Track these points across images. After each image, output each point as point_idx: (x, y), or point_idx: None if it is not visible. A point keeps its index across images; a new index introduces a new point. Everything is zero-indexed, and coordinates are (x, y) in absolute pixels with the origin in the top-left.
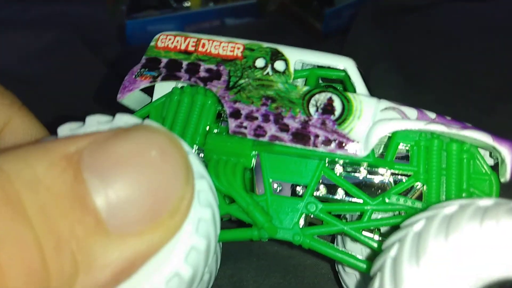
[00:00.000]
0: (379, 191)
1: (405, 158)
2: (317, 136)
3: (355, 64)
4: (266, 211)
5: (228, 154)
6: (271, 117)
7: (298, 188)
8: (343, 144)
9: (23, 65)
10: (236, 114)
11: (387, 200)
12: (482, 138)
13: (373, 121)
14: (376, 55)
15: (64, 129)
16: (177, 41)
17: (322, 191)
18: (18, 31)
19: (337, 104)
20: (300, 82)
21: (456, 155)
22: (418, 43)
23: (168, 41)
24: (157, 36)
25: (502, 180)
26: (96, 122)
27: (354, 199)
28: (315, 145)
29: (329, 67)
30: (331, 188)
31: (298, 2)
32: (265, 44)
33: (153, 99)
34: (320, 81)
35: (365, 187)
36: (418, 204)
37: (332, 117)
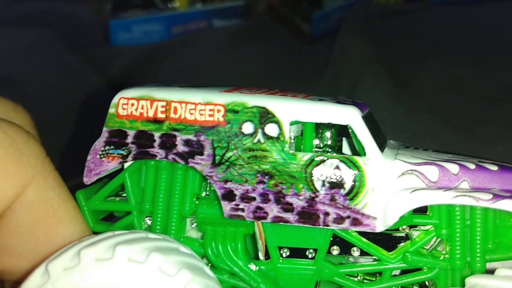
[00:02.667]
0: (393, 243)
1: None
2: (327, 214)
3: (360, 115)
4: (276, 283)
5: (225, 224)
6: (271, 197)
7: (310, 250)
8: (359, 221)
9: (5, 64)
10: (229, 195)
11: (407, 256)
12: None
13: (390, 192)
14: (366, 60)
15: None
16: (142, 107)
17: (335, 251)
18: (1, 28)
19: (346, 175)
20: (294, 129)
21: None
22: (408, 47)
23: (131, 107)
24: (115, 100)
25: None
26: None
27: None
28: (325, 224)
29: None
30: (345, 247)
31: (287, 4)
32: (251, 102)
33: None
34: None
35: (379, 241)
36: (441, 260)
37: (342, 191)
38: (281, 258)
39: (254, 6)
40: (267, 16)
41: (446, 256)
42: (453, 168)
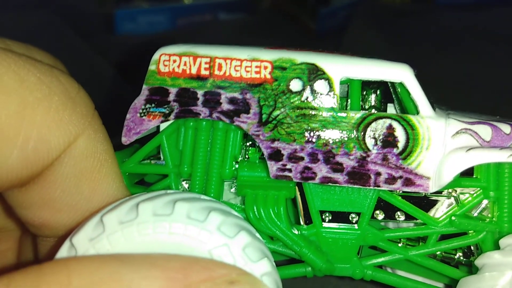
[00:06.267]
0: (438, 207)
1: None
2: (378, 174)
3: (414, 73)
4: (318, 247)
5: (266, 187)
6: (320, 156)
7: (352, 215)
8: (411, 182)
9: None
10: (276, 155)
11: (453, 219)
12: None
13: (444, 151)
14: (376, 53)
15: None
16: (185, 63)
17: (380, 216)
18: (4, 13)
19: (400, 134)
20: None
21: None
22: (415, 44)
23: (173, 63)
24: (156, 57)
25: None
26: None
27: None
28: (376, 184)
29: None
30: (389, 211)
31: (293, 0)
32: (299, 58)
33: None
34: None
35: (425, 205)
36: (489, 223)
37: (395, 150)
38: (323, 222)
39: (260, 1)
40: (273, 12)
41: (494, 219)
42: (506, 128)
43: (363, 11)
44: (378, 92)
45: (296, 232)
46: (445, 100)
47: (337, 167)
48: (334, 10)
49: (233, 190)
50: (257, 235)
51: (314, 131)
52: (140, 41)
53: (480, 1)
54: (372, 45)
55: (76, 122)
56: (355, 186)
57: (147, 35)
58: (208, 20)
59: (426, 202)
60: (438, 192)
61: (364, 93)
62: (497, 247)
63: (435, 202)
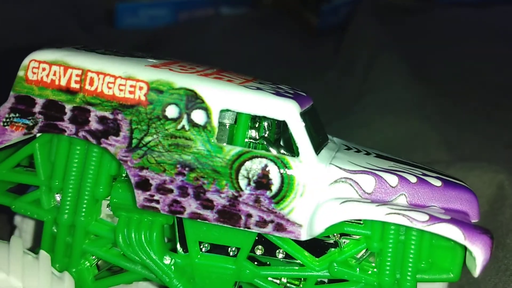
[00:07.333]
0: (322, 249)
1: None
2: (249, 215)
3: (299, 111)
4: (191, 279)
5: (141, 211)
6: (190, 191)
7: (232, 248)
8: (283, 227)
9: (12, 37)
10: (144, 184)
11: (334, 266)
12: (453, 235)
13: (319, 200)
14: (381, 44)
15: None
16: (54, 73)
17: (259, 252)
18: (5, 4)
19: (275, 176)
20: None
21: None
22: (420, 41)
23: (42, 71)
24: (26, 62)
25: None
26: None
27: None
28: (247, 226)
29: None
30: (270, 248)
31: None
32: (178, 83)
33: None
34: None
35: (308, 245)
36: (369, 275)
37: (268, 193)
38: (200, 252)
39: None
40: (274, 7)
41: (375, 270)
42: (392, 179)
43: (365, 8)
44: (271, 121)
45: (168, 261)
46: (448, 96)
47: (207, 204)
48: (336, 6)
49: (108, 208)
50: None
51: (186, 164)
52: (141, 35)
53: None
54: (374, 42)
55: None
56: (225, 225)
57: (148, 30)
58: (210, 14)
59: (310, 242)
60: None
61: (258, 120)
62: None
63: (319, 243)
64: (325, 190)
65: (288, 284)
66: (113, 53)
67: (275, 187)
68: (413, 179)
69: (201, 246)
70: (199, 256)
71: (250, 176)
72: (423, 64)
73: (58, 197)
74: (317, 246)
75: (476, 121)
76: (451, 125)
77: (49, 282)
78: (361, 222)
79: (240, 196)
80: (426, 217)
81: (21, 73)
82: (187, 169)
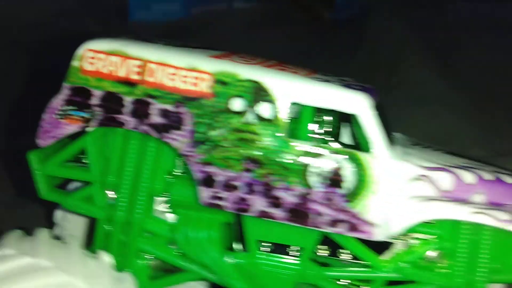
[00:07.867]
0: (389, 249)
1: None
2: (319, 214)
3: (371, 105)
4: (252, 279)
5: (201, 208)
6: (258, 188)
7: (293, 248)
8: (355, 227)
9: (28, 32)
10: (208, 181)
11: (401, 266)
12: None
13: (395, 198)
14: (402, 42)
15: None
16: (112, 64)
17: (323, 252)
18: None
19: (347, 173)
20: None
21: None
22: (444, 34)
23: (99, 62)
24: (80, 51)
25: None
26: None
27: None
28: (316, 225)
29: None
30: (335, 249)
31: None
32: (244, 74)
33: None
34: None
35: (375, 245)
36: (440, 276)
37: (340, 191)
38: (261, 252)
39: None
40: (289, 0)
41: (445, 271)
42: (470, 177)
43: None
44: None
45: (229, 260)
46: (479, 90)
47: (275, 202)
48: None
49: (163, 206)
50: None
51: (254, 159)
52: (153, 29)
53: None
54: (397, 34)
55: None
56: (293, 224)
57: (161, 23)
58: (222, 9)
59: (377, 242)
60: None
61: (320, 114)
62: None
63: (387, 243)
64: (401, 187)
65: (350, 286)
66: (170, 43)
67: (347, 184)
68: (488, 176)
69: (262, 247)
70: (260, 255)
71: (321, 173)
72: (449, 57)
73: (110, 194)
74: (384, 246)
75: (502, 117)
76: (485, 120)
77: (112, 283)
78: (433, 221)
79: (310, 193)
80: (508, 216)
81: (75, 63)
82: (254, 165)
